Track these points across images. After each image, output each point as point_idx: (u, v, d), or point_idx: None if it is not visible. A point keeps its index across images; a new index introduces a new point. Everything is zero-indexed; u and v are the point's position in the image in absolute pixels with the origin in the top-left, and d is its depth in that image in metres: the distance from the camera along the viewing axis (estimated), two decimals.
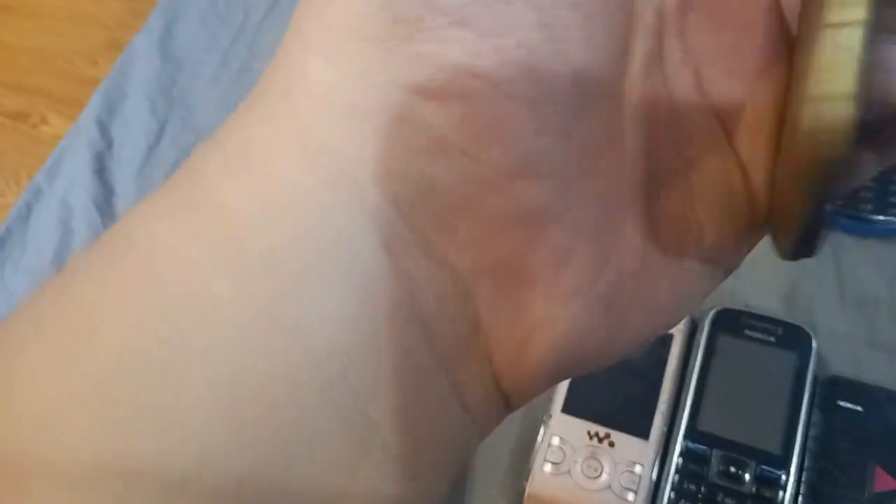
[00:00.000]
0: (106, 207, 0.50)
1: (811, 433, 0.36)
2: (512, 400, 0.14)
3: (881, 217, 0.41)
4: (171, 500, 0.10)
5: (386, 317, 0.12)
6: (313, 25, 0.12)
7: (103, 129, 0.54)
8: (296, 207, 0.11)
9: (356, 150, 0.11)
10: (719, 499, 0.35)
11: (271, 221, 0.11)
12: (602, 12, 0.12)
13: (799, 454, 0.35)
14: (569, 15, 0.11)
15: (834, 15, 0.12)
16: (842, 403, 0.37)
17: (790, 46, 0.13)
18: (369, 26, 0.11)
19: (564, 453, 0.38)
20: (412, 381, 0.12)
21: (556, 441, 0.38)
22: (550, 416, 0.39)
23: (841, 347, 0.40)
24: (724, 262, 0.15)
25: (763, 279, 0.42)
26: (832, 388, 0.37)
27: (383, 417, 0.12)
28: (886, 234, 0.42)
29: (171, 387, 0.10)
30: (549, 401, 0.39)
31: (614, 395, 0.39)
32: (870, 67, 0.12)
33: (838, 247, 0.42)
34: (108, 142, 0.53)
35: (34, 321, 0.11)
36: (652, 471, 0.37)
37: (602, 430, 0.38)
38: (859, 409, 0.37)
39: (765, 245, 0.47)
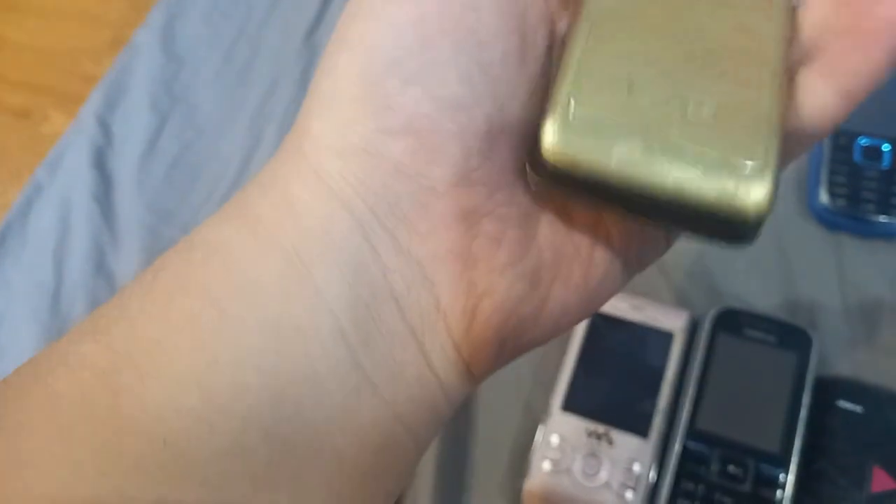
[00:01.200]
0: (105, 202, 0.50)
1: (810, 433, 0.36)
2: (472, 368, 0.18)
3: (884, 218, 0.41)
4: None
5: (371, 293, 0.16)
6: (315, 103, 0.17)
7: (103, 124, 0.54)
8: (308, 215, 0.16)
9: (345, 176, 0.16)
10: (718, 498, 0.35)
11: (292, 224, 0.16)
12: (503, 75, 0.17)
13: (798, 454, 0.35)
14: (480, 76, 0.17)
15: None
16: (841, 404, 0.37)
17: None
18: (352, 93, 0.17)
19: (563, 451, 0.37)
20: (391, 344, 0.16)
21: (555, 439, 0.38)
22: (550, 414, 0.38)
23: (842, 347, 0.40)
24: (630, 265, 0.19)
25: (765, 279, 0.42)
26: (832, 388, 0.37)
27: (371, 367, 0.16)
28: (889, 234, 0.42)
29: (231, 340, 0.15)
30: (549, 399, 0.39)
31: (614, 393, 0.39)
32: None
33: (840, 247, 0.42)
34: (108, 137, 0.53)
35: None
36: (651, 469, 0.36)
37: (601, 428, 0.38)
38: (859, 409, 0.36)
39: (767, 246, 0.46)
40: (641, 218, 0.17)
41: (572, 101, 0.16)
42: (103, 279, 0.48)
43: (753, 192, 0.15)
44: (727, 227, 0.16)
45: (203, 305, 0.15)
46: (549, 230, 0.18)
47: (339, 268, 0.16)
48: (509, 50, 0.17)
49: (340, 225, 0.16)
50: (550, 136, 0.16)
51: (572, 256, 0.18)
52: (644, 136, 0.16)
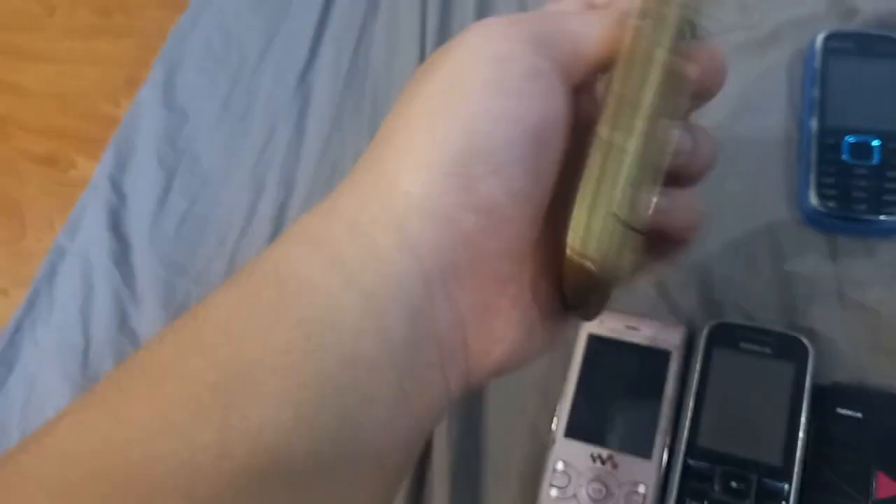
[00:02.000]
0: (123, 263, 0.53)
1: (811, 442, 0.37)
2: (472, 385, 0.23)
3: (875, 217, 0.41)
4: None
5: (422, 335, 0.20)
6: (409, 164, 0.21)
7: (116, 185, 0.56)
8: (389, 262, 0.20)
9: (424, 234, 0.20)
10: None
11: (374, 270, 0.20)
12: (553, 175, 0.22)
13: (800, 465, 0.36)
14: (541, 175, 0.22)
15: (606, 134, 0.22)
16: (841, 411, 0.37)
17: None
18: (447, 169, 0.20)
19: (570, 477, 0.39)
20: (427, 372, 0.21)
21: (560, 466, 0.39)
22: (554, 440, 0.40)
23: (841, 350, 0.40)
24: (573, 320, 0.26)
25: (761, 288, 0.42)
26: (830, 395, 0.37)
27: (410, 390, 0.20)
28: (883, 232, 0.42)
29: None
30: (553, 426, 0.40)
31: (615, 416, 0.40)
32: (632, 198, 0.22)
33: (835, 248, 0.42)
34: (121, 198, 0.56)
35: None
36: (656, 490, 0.37)
37: (605, 452, 0.39)
38: (859, 415, 0.37)
39: (761, 255, 0.47)
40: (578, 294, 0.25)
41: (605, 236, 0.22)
42: (127, 336, 0.51)
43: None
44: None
45: (296, 336, 0.19)
46: (543, 292, 0.24)
47: (403, 310, 0.20)
48: (563, 152, 0.22)
49: (411, 275, 0.20)
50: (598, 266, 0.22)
51: (551, 314, 0.24)
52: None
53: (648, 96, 0.22)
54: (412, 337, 0.20)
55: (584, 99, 0.24)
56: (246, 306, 0.19)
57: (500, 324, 0.22)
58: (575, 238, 0.22)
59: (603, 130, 0.22)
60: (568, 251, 0.22)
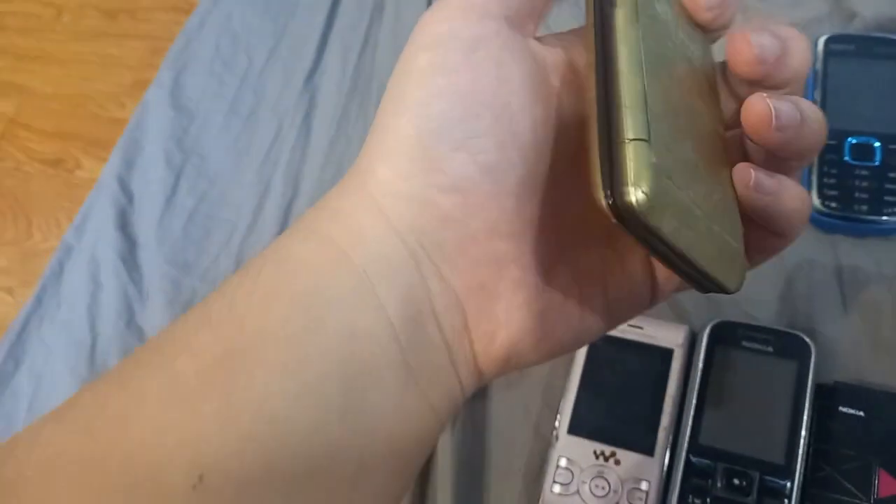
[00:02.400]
0: (130, 260, 0.53)
1: (813, 440, 0.37)
2: (483, 374, 0.22)
3: (877, 217, 0.41)
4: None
5: (418, 310, 0.20)
6: (379, 152, 0.21)
7: (123, 184, 0.56)
8: (374, 241, 0.20)
9: (403, 216, 0.20)
10: None
11: (362, 249, 0.20)
12: (532, 142, 0.21)
13: (802, 462, 0.36)
14: (513, 144, 0.21)
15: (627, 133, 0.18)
16: (843, 409, 0.37)
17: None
18: (410, 153, 0.20)
19: (572, 474, 0.39)
20: (430, 351, 0.21)
21: (563, 462, 0.39)
22: (557, 437, 0.40)
23: (843, 350, 0.40)
24: (614, 317, 0.24)
25: (763, 287, 0.43)
26: (833, 394, 0.38)
27: (416, 367, 0.20)
28: (884, 232, 0.42)
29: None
30: (556, 423, 0.40)
31: (618, 413, 0.40)
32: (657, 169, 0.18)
33: (836, 248, 0.43)
34: (128, 197, 0.56)
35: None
36: (658, 487, 0.38)
37: (608, 449, 0.39)
38: (861, 413, 0.37)
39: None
40: (668, 266, 0.20)
41: (655, 171, 0.18)
42: (134, 334, 0.51)
43: (739, 274, 0.21)
44: (720, 289, 0.21)
45: (295, 311, 0.19)
46: (562, 279, 0.23)
47: (396, 287, 0.20)
48: (537, 118, 0.21)
49: (398, 253, 0.20)
50: (640, 196, 0.18)
51: (575, 303, 0.23)
52: (688, 214, 0.19)
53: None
54: (408, 313, 0.20)
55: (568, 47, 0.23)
56: (248, 285, 0.20)
57: (502, 307, 0.21)
58: (606, 189, 0.18)
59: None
60: (607, 211, 0.18)
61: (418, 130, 0.20)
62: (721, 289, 0.20)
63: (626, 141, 0.18)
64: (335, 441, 0.18)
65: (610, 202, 0.18)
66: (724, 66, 0.24)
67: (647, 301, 0.24)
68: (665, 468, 0.38)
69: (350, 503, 0.19)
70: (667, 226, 0.18)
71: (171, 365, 0.18)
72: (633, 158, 0.18)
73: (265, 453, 0.17)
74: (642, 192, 0.17)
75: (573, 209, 0.22)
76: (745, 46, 0.21)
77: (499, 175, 0.21)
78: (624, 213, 0.18)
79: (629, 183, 0.17)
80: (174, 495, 0.17)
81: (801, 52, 0.22)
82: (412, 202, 0.20)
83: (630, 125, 0.18)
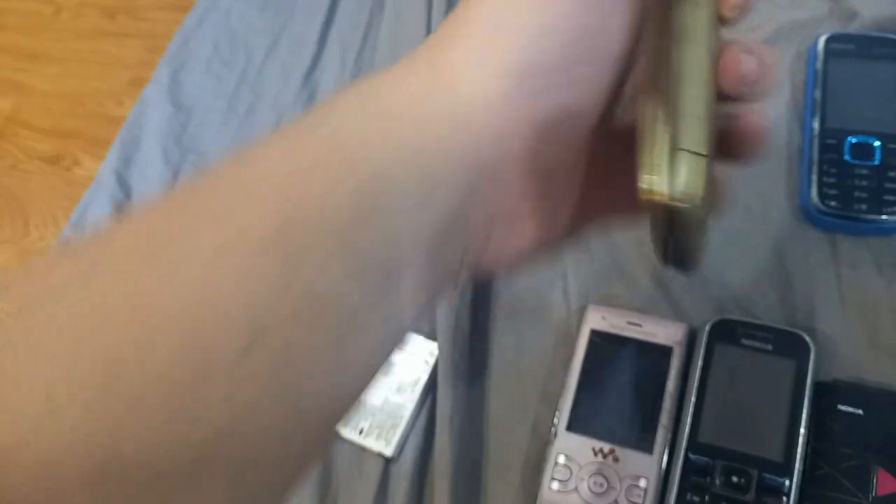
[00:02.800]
0: None
1: (812, 439, 0.37)
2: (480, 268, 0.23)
3: (876, 216, 0.41)
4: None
5: (460, 202, 0.21)
6: (469, 47, 0.21)
7: (121, 180, 0.56)
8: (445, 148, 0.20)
9: (476, 133, 0.21)
10: None
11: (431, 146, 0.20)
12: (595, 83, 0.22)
13: (801, 461, 0.36)
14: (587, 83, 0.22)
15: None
16: (842, 407, 0.37)
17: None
18: (519, 73, 0.21)
19: (571, 471, 0.39)
20: (446, 239, 0.20)
21: (562, 459, 0.39)
22: (556, 434, 0.40)
23: (842, 348, 0.40)
24: (578, 232, 0.25)
25: (762, 285, 0.43)
26: (832, 392, 0.38)
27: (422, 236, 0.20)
28: (884, 231, 0.42)
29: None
30: (555, 420, 0.40)
31: (617, 411, 0.40)
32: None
33: (836, 247, 0.43)
34: (126, 193, 0.56)
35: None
36: (657, 484, 0.38)
37: (607, 447, 0.39)
38: (860, 412, 0.37)
39: (762, 252, 0.47)
40: (658, 238, 0.22)
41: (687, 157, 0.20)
42: None
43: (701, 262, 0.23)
44: (682, 274, 0.23)
45: (356, 201, 0.19)
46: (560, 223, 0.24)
47: (457, 165, 0.20)
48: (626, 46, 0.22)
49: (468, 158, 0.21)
50: (686, 206, 0.20)
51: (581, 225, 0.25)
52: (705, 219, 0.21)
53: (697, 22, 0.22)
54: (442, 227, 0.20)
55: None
56: (309, 164, 0.19)
57: (527, 227, 0.23)
58: (660, 182, 0.20)
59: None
60: (657, 198, 0.20)
61: (533, 56, 0.21)
62: (683, 274, 0.23)
63: (688, 152, 0.20)
64: (362, 236, 0.19)
65: (656, 199, 0.20)
66: None
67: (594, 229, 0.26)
68: (664, 466, 0.38)
69: None
70: (694, 230, 0.21)
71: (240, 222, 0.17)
72: (688, 172, 0.20)
73: (293, 255, 0.17)
74: (690, 203, 0.20)
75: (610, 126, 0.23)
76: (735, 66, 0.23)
77: (582, 119, 0.22)
78: (664, 210, 0.20)
79: (681, 190, 0.20)
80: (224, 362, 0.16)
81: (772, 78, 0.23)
82: (501, 127, 0.21)
83: (695, 139, 0.20)
